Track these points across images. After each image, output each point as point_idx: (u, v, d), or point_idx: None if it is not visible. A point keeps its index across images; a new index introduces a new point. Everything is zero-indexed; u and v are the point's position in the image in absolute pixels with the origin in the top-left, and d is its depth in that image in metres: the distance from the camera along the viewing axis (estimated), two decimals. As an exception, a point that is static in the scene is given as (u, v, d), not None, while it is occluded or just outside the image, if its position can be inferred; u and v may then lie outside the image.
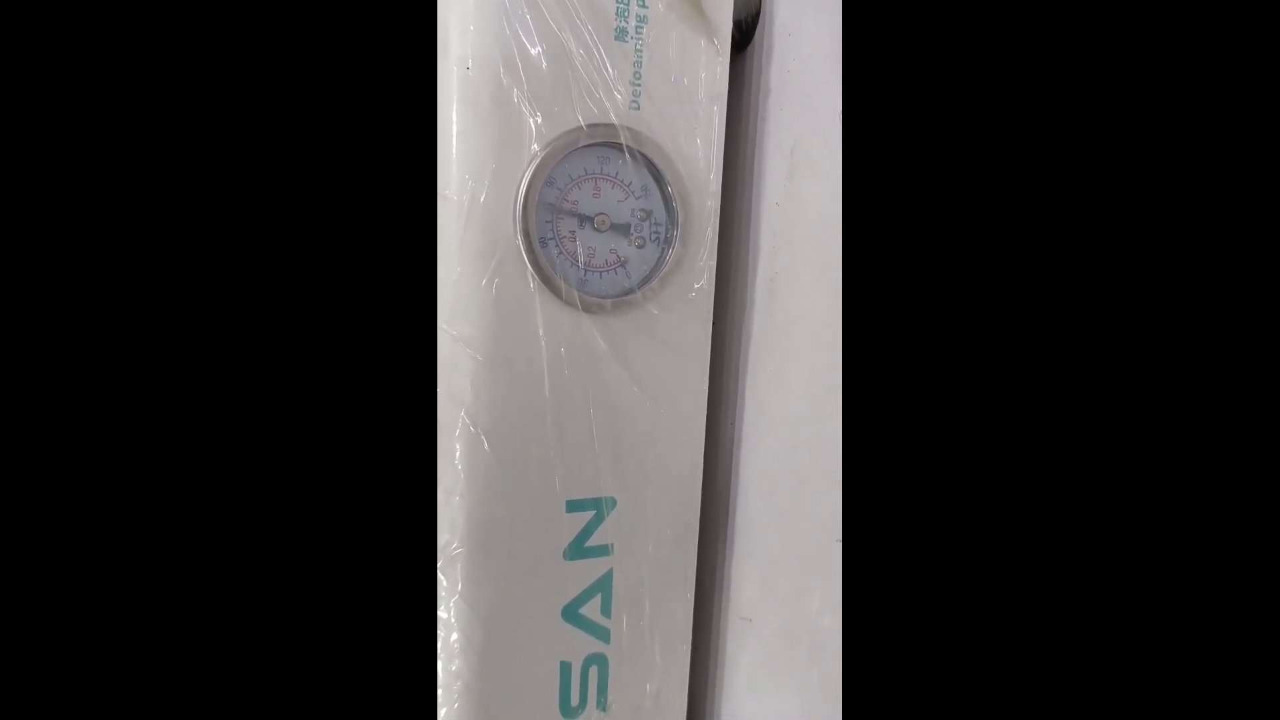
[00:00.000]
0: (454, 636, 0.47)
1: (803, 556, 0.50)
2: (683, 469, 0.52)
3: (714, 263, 0.51)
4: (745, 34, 0.52)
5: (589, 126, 0.45)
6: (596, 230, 0.47)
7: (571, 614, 0.50)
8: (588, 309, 0.47)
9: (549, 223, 0.46)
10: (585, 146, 0.46)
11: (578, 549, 0.50)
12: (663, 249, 0.49)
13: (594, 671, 0.52)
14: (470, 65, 0.43)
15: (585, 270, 0.47)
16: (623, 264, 0.48)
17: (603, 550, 0.50)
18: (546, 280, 0.46)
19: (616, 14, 0.45)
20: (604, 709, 0.52)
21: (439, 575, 0.47)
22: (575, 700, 0.51)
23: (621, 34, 0.46)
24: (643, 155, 0.47)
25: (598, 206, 0.47)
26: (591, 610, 0.51)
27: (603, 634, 0.51)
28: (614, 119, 0.46)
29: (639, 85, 0.46)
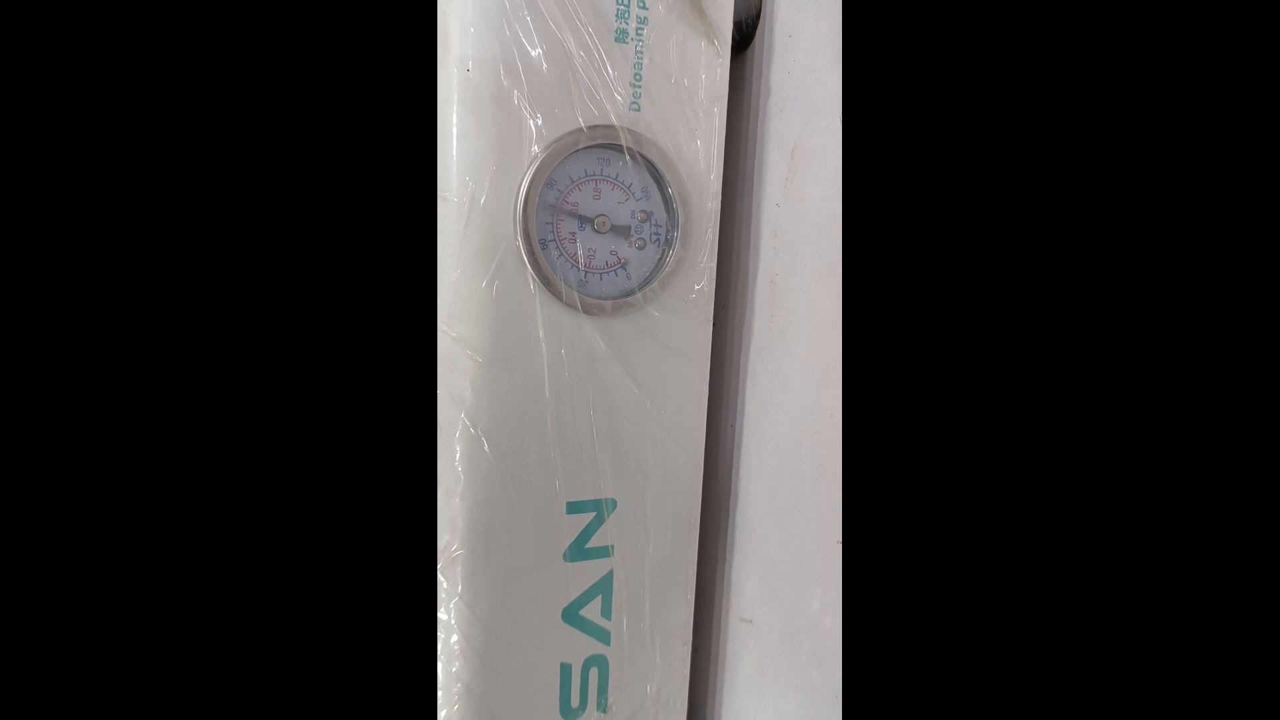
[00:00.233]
0: (454, 638, 0.47)
1: (803, 557, 0.50)
2: (683, 470, 0.52)
3: (714, 264, 0.51)
4: (745, 35, 0.52)
5: (589, 128, 0.45)
6: (596, 232, 0.47)
7: (572, 615, 0.50)
8: (588, 310, 0.47)
9: (549, 224, 0.46)
10: (585, 148, 0.46)
11: (578, 550, 0.50)
12: (663, 250, 0.49)
13: (594, 673, 0.52)
14: (470, 67, 0.43)
15: (585, 272, 0.47)
16: (623, 265, 0.48)
17: (603, 552, 0.50)
18: (547, 282, 0.46)
19: (617, 16, 0.45)
20: (604, 710, 0.52)
21: (439, 577, 0.47)
22: (575, 701, 0.51)
23: (622, 35, 0.46)
24: (643, 157, 0.47)
25: (598, 208, 0.47)
26: (592, 611, 0.51)
27: (603, 635, 0.51)
28: (614, 120, 0.46)
29: (639, 87, 0.46)
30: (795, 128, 0.50)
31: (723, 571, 0.57)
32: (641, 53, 0.46)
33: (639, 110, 0.47)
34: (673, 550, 0.53)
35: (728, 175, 0.51)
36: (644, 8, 0.46)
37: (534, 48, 0.44)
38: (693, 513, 0.54)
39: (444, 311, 0.45)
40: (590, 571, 0.50)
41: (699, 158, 0.49)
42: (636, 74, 0.46)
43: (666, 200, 0.49)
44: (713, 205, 0.50)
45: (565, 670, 0.51)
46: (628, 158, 0.47)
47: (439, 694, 0.48)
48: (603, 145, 0.46)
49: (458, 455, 0.46)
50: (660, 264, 0.49)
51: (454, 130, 0.43)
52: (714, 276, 0.51)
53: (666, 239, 0.49)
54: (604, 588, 0.51)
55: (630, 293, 0.48)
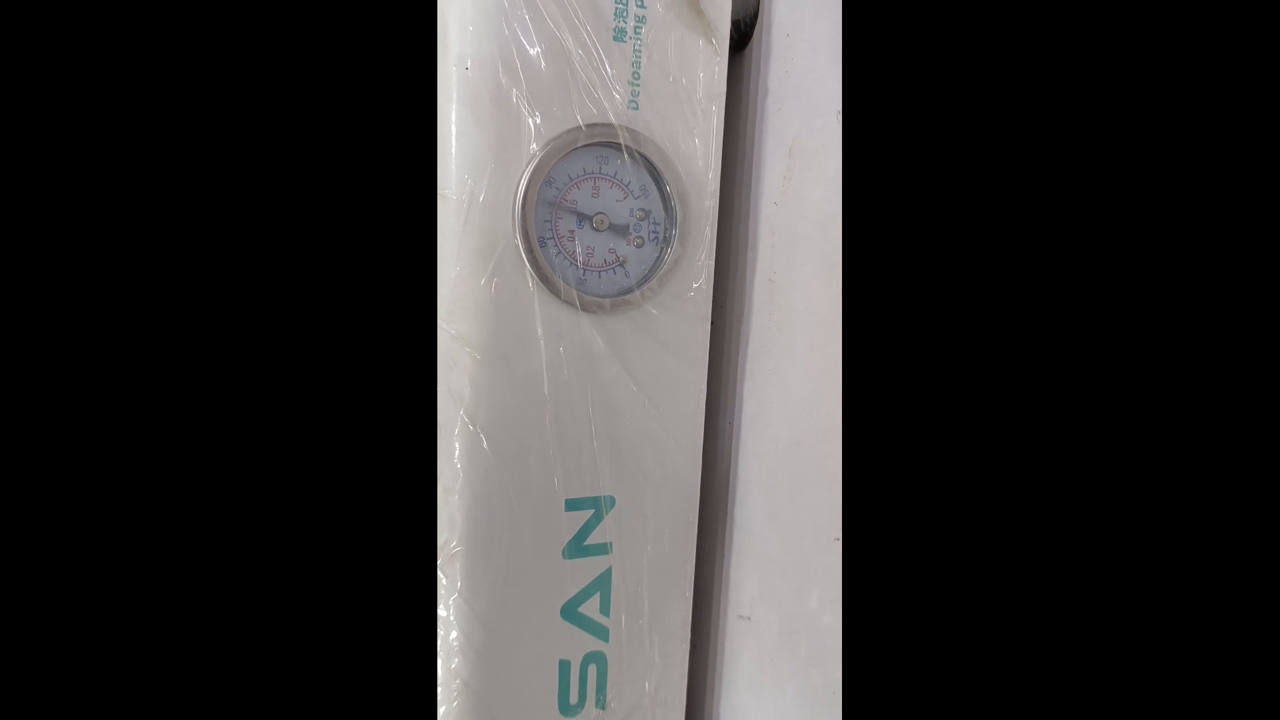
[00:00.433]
0: (453, 634, 0.47)
1: (801, 555, 0.50)
2: (681, 468, 0.53)
3: (712, 262, 0.51)
4: (743, 34, 0.53)
5: (588, 126, 0.46)
6: (595, 230, 0.48)
7: (570, 612, 0.50)
8: (586, 308, 0.47)
9: (548, 222, 0.46)
10: (584, 146, 0.46)
11: (577, 547, 0.50)
12: (661, 248, 0.49)
13: (593, 670, 0.52)
14: (469, 65, 0.43)
15: (584, 270, 0.48)
16: (621, 263, 0.49)
17: (602, 549, 0.50)
18: (545, 279, 0.46)
19: (615, 14, 0.45)
20: (603, 707, 0.52)
21: (438, 574, 0.47)
22: (574, 698, 0.51)
23: (620, 34, 0.46)
24: (641, 155, 0.47)
25: (596, 206, 0.48)
26: (590, 609, 0.51)
27: (602, 632, 0.52)
28: (613, 119, 0.46)
29: (637, 85, 0.47)
30: (793, 126, 0.50)
31: (721, 569, 0.57)
32: (640, 51, 0.46)
33: (637, 109, 0.47)
34: (671, 548, 0.53)
35: (726, 174, 0.52)
36: (642, 6, 0.46)
37: (532, 46, 0.44)
38: (691, 510, 0.54)
39: (443, 309, 0.45)
40: (589, 569, 0.50)
41: (697, 156, 0.49)
42: (635, 72, 0.46)
43: (665, 198, 0.49)
44: (711, 203, 0.50)
45: (564, 667, 0.51)
46: (626, 156, 0.47)
47: (439, 690, 0.48)
48: (601, 143, 0.46)
49: (457, 452, 0.46)
50: (658, 262, 0.49)
51: (453, 128, 0.43)
52: (712, 275, 0.51)
53: (665, 237, 0.49)
54: (602, 585, 0.51)
55: (628, 290, 0.48)
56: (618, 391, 0.49)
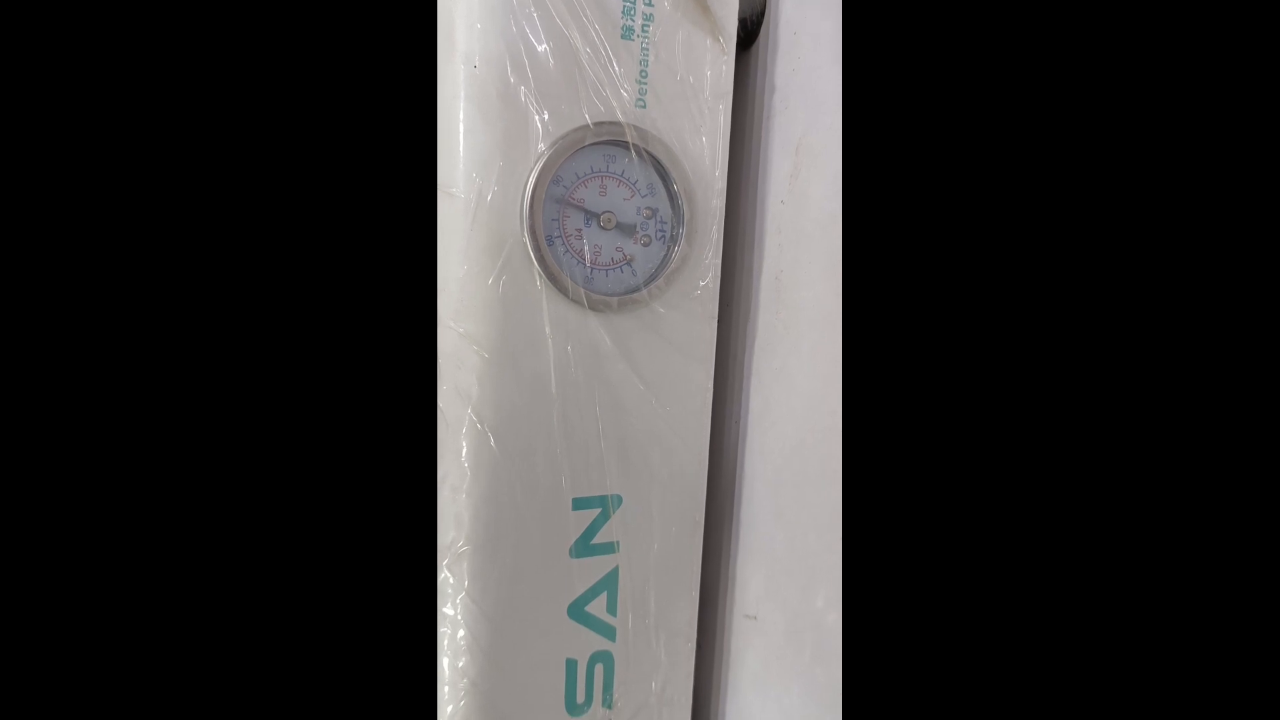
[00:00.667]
0: (460, 633, 0.47)
1: (807, 555, 0.50)
2: (688, 466, 0.52)
3: (719, 261, 0.51)
4: (750, 32, 0.52)
5: (595, 125, 0.46)
6: (602, 228, 0.48)
7: (577, 611, 0.50)
8: (594, 307, 0.47)
9: (555, 221, 0.46)
10: (591, 145, 0.46)
11: (584, 546, 0.50)
12: (668, 247, 0.49)
13: (599, 669, 0.52)
14: (477, 63, 0.43)
15: (591, 268, 0.47)
16: (628, 262, 0.48)
17: (608, 548, 0.50)
18: (553, 278, 0.46)
19: (622, 13, 0.45)
20: (609, 706, 0.52)
21: (445, 572, 0.47)
22: (581, 697, 0.51)
23: (627, 32, 0.46)
24: (649, 153, 0.47)
25: (604, 204, 0.48)
26: (597, 608, 0.51)
27: (608, 631, 0.51)
28: (620, 117, 0.46)
29: (645, 83, 0.47)
30: (800, 124, 0.50)
31: (727, 568, 0.57)
32: (647, 49, 0.46)
33: (644, 107, 0.47)
34: (678, 546, 0.53)
35: (732, 172, 0.52)
36: (649, 4, 0.46)
37: (540, 44, 0.44)
38: (697, 509, 0.54)
39: (451, 308, 0.45)
40: (596, 568, 0.50)
41: (704, 154, 0.49)
42: (642, 71, 0.46)
43: (672, 197, 0.49)
44: (718, 202, 0.50)
45: (571, 666, 0.51)
46: (634, 154, 0.47)
47: (445, 689, 0.48)
48: (608, 142, 0.46)
49: (464, 451, 0.46)
50: (665, 260, 0.49)
51: (460, 127, 0.43)
52: (719, 273, 0.51)
53: (672, 235, 0.49)
54: (609, 584, 0.51)
55: (636, 289, 0.48)
56: (625, 390, 0.49)
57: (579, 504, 0.49)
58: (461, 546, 0.47)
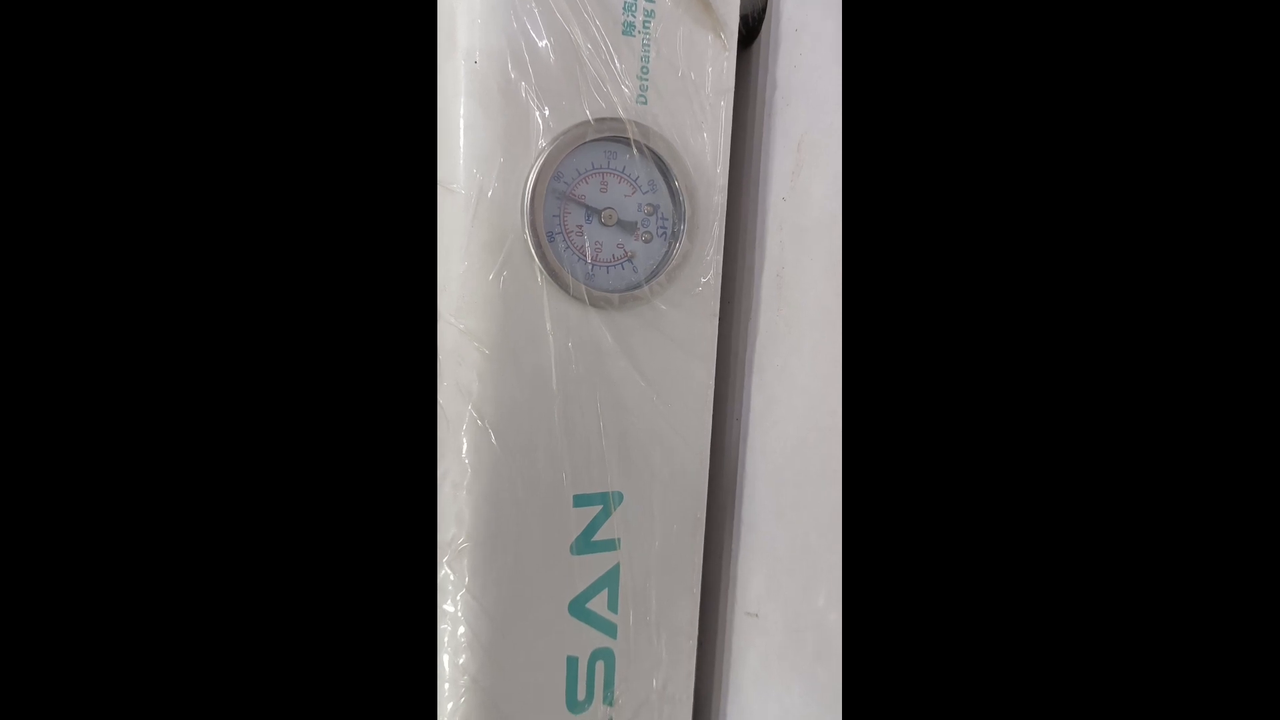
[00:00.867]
0: (461, 630, 0.47)
1: (808, 553, 0.50)
2: (689, 464, 0.52)
3: (720, 258, 0.51)
4: (752, 29, 0.52)
5: (596, 121, 0.45)
6: (603, 225, 0.47)
7: (578, 609, 0.50)
8: (595, 304, 0.47)
9: (556, 217, 0.46)
10: (592, 141, 0.46)
11: (585, 543, 0.50)
12: (669, 244, 0.49)
13: (600, 666, 0.52)
14: (478, 58, 0.43)
15: (592, 265, 0.47)
16: (630, 259, 0.48)
17: (609, 545, 0.50)
18: (554, 275, 0.46)
19: (624, 9, 0.45)
20: (610, 704, 0.52)
21: (445, 569, 0.47)
22: (582, 695, 0.51)
23: (629, 28, 0.46)
24: (650, 150, 0.47)
25: (605, 201, 0.47)
26: (598, 605, 0.51)
27: (609, 629, 0.51)
28: (621, 113, 0.46)
29: (646, 80, 0.46)
30: (801, 121, 0.50)
31: (728, 565, 0.57)
32: (648, 46, 0.46)
33: (646, 103, 0.47)
34: (679, 544, 0.53)
35: (734, 169, 0.51)
36: (651, 1, 0.46)
37: (541, 39, 0.44)
38: (698, 507, 0.54)
39: (451, 304, 0.45)
40: (597, 565, 0.50)
41: (705, 151, 0.49)
42: (643, 67, 0.46)
43: (673, 193, 0.49)
44: (719, 199, 0.50)
45: (572, 663, 0.51)
46: (635, 151, 0.47)
47: (446, 686, 0.48)
48: (610, 138, 0.46)
49: (465, 447, 0.46)
50: (667, 257, 0.49)
51: (461, 122, 0.43)
52: (720, 270, 0.51)
53: (673, 232, 0.49)
54: (610, 581, 0.51)
55: (637, 286, 0.48)
56: (626, 387, 0.49)
57: (580, 501, 0.49)
58: (462, 543, 0.46)
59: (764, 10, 0.52)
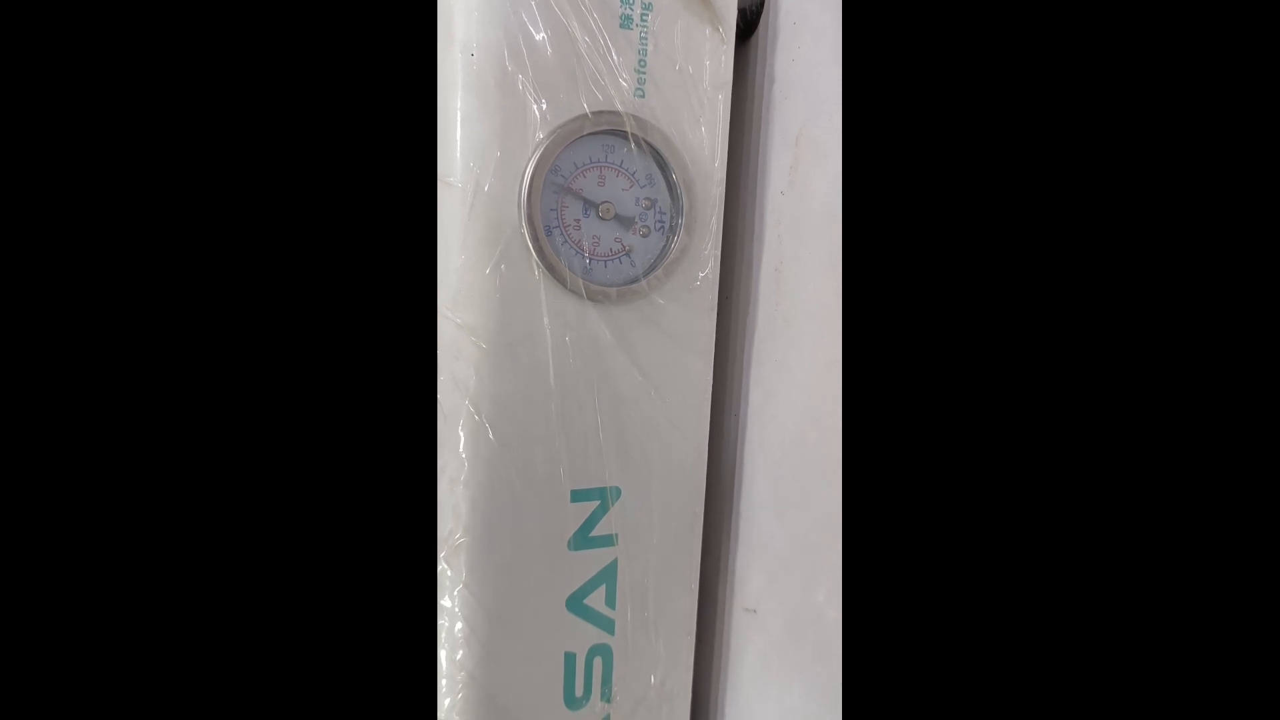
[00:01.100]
0: (458, 626, 0.47)
1: (807, 549, 0.50)
2: (687, 459, 0.52)
3: (719, 252, 0.51)
4: (750, 22, 0.52)
5: (594, 114, 0.45)
6: (601, 219, 0.47)
7: (576, 604, 0.50)
8: (593, 298, 0.47)
9: (554, 211, 0.46)
10: (590, 134, 0.46)
11: (582, 539, 0.49)
12: (667, 238, 0.49)
13: (598, 662, 0.52)
14: (474, 51, 0.43)
15: (590, 259, 0.47)
16: (627, 253, 0.48)
17: (607, 540, 0.50)
18: (551, 268, 0.46)
19: (621, 2, 0.45)
20: (608, 700, 0.52)
21: (443, 564, 0.47)
22: (580, 691, 0.51)
23: (626, 21, 0.45)
24: (647, 143, 0.47)
25: (602, 195, 0.47)
26: (596, 601, 0.51)
27: (607, 625, 0.51)
28: (619, 107, 0.46)
29: (644, 73, 0.46)
30: (800, 116, 0.50)
31: (727, 561, 0.57)
32: (646, 39, 0.46)
33: (643, 96, 0.46)
34: (677, 539, 0.53)
35: (732, 163, 0.51)
36: (649, -7, 0.46)
37: (538, 32, 0.43)
38: (697, 502, 0.53)
39: (448, 298, 0.45)
40: (594, 560, 0.50)
41: (703, 145, 0.49)
42: (641, 60, 0.46)
43: (671, 187, 0.48)
44: (717, 193, 0.50)
45: (569, 659, 0.50)
46: (632, 144, 0.47)
47: (443, 682, 0.47)
48: (607, 131, 0.46)
49: (462, 442, 0.46)
50: (665, 251, 0.49)
51: (458, 115, 0.43)
52: (718, 264, 0.51)
53: (671, 226, 0.49)
54: (608, 577, 0.51)
55: (635, 280, 0.48)
56: (624, 382, 0.49)
57: (578, 496, 0.49)
58: (459, 538, 0.46)
59: (762, 4, 0.52)
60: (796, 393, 0.50)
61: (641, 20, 0.46)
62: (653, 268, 0.49)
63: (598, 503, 0.49)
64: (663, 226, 0.49)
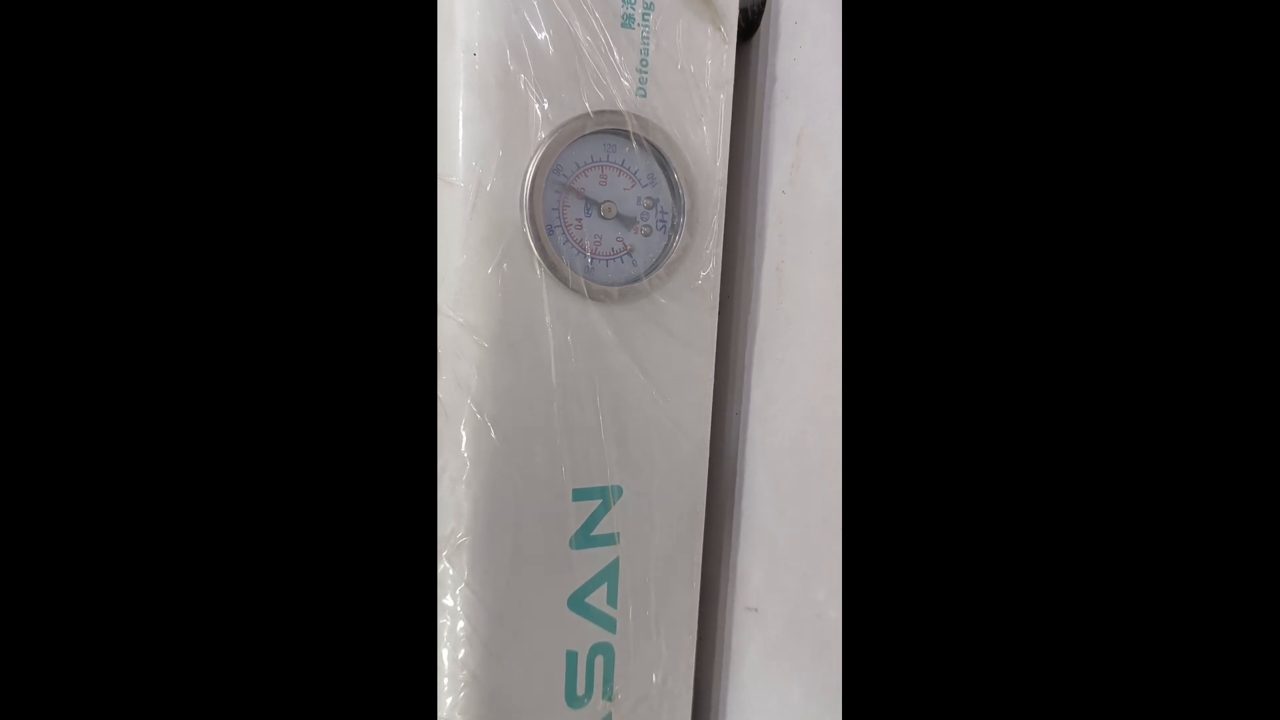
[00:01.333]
0: (460, 625, 0.47)
1: (808, 547, 0.50)
2: (689, 458, 0.52)
3: (720, 251, 0.51)
4: (751, 22, 0.52)
5: (595, 113, 0.45)
6: (603, 218, 0.47)
7: (578, 603, 0.50)
8: (594, 297, 0.47)
9: (555, 210, 0.46)
10: (592, 134, 0.46)
11: (584, 537, 0.49)
12: (669, 237, 0.49)
13: (600, 661, 0.52)
14: (477, 51, 0.43)
15: (592, 258, 0.47)
16: (629, 252, 0.48)
17: (609, 539, 0.50)
18: (553, 268, 0.46)
19: (623, 1, 0.45)
20: (610, 699, 0.52)
21: (445, 563, 0.47)
22: (581, 690, 0.51)
23: (628, 21, 0.46)
24: (649, 143, 0.47)
25: (604, 194, 0.47)
26: (598, 599, 0.51)
27: (609, 623, 0.51)
28: (621, 106, 0.46)
29: (645, 72, 0.46)
30: (801, 115, 0.50)
31: (728, 559, 0.57)
32: (648, 38, 0.46)
33: (645, 96, 0.47)
34: (678, 538, 0.53)
35: (733, 162, 0.51)
36: (650, -7, 0.46)
37: (540, 31, 0.43)
38: (698, 500, 0.54)
39: (450, 297, 0.45)
40: (596, 559, 0.50)
41: (705, 144, 0.49)
42: (643, 60, 0.46)
43: (673, 187, 0.48)
44: (719, 192, 0.50)
45: (571, 658, 0.50)
46: (634, 144, 0.47)
47: (445, 681, 0.47)
48: (609, 131, 0.46)
49: (464, 441, 0.46)
50: (666, 250, 0.49)
51: (460, 115, 0.43)
52: (720, 264, 0.51)
53: (673, 225, 0.49)
54: (610, 575, 0.51)
55: (637, 279, 0.48)
56: (625, 381, 0.49)
57: (579, 495, 0.49)
58: (461, 537, 0.46)
59: (763, 3, 0.52)
60: (798, 391, 0.51)
61: (643, 20, 0.46)
62: (654, 267, 0.49)
63: (599, 501, 0.50)
64: (664, 225, 0.49)
